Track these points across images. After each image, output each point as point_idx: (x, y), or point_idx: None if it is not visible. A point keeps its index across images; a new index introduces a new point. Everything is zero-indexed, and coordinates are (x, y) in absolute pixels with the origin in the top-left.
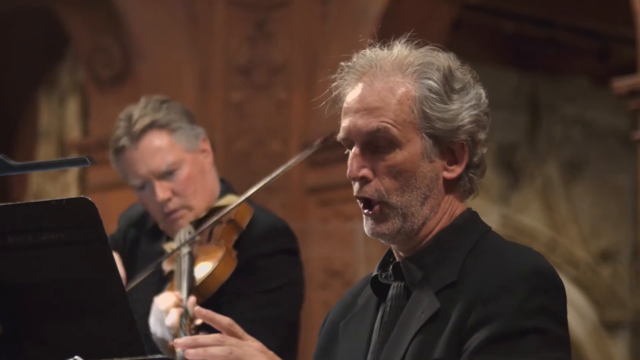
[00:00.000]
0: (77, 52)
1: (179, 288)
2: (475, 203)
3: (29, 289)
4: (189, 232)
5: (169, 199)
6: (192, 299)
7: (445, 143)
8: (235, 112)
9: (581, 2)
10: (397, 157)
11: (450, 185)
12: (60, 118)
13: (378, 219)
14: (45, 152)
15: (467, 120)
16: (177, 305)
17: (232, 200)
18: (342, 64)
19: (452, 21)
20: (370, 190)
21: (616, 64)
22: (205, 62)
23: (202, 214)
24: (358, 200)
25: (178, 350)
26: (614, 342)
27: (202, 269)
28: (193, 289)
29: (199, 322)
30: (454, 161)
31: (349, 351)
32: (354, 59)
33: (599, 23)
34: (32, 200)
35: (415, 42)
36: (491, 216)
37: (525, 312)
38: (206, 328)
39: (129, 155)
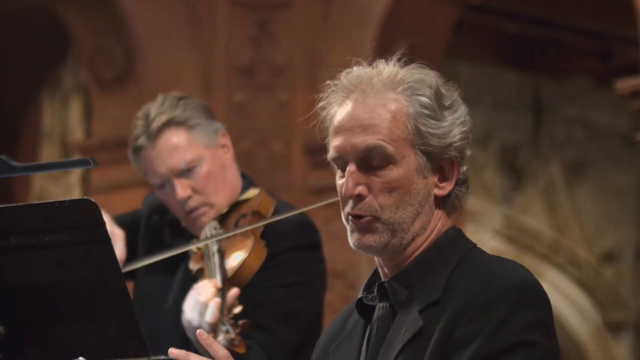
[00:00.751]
0: (80, 53)
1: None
2: (479, 204)
3: (32, 290)
4: (215, 228)
5: (189, 197)
6: (235, 290)
7: (437, 160)
8: (237, 112)
9: (583, 3)
10: (393, 173)
11: (440, 203)
12: (63, 119)
13: (366, 230)
14: (48, 153)
15: (457, 137)
16: (215, 295)
17: (253, 194)
18: (329, 82)
19: (453, 22)
20: (364, 207)
21: (618, 65)
22: (208, 63)
23: (224, 210)
24: (343, 216)
25: (219, 338)
26: (617, 343)
27: (234, 260)
28: (226, 280)
29: (237, 310)
30: (443, 178)
31: None
32: (341, 77)
33: (600, 23)
34: (35, 202)
35: (404, 60)
36: (494, 217)
37: (510, 328)
38: (244, 316)
39: (147, 154)
